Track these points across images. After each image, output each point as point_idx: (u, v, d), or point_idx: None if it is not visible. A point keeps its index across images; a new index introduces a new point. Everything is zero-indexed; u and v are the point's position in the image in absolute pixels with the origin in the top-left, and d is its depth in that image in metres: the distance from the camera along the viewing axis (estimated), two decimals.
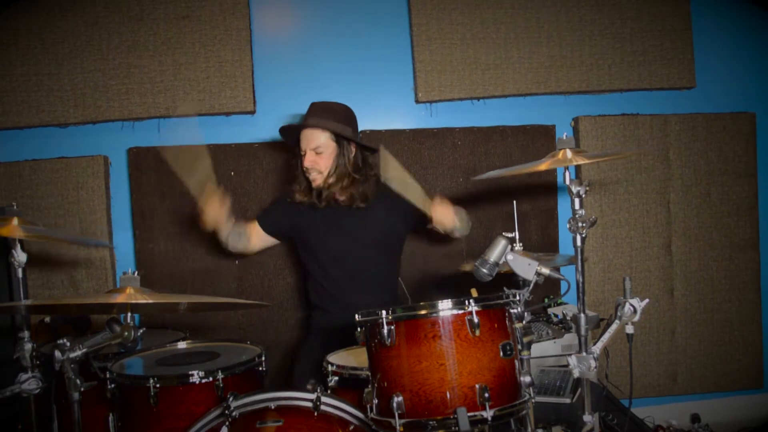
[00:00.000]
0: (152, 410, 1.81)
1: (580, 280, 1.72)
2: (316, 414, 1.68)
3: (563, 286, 1.65)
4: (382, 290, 2.55)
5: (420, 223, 2.43)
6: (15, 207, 1.91)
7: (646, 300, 1.73)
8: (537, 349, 2.44)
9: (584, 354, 1.68)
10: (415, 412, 1.45)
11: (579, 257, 1.72)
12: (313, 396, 1.69)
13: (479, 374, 1.45)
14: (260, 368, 2.01)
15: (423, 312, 1.50)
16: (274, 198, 2.69)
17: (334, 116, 2.44)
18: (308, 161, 2.40)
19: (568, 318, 2.58)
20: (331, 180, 2.42)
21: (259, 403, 1.69)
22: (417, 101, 3.11)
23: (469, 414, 1.41)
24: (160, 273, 2.93)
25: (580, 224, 1.70)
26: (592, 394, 1.76)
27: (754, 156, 3.27)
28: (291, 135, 2.52)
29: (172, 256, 2.95)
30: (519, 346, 1.58)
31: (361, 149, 2.48)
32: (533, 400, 1.56)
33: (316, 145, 2.40)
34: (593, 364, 1.67)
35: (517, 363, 1.54)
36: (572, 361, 1.69)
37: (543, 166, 1.80)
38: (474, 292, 2.03)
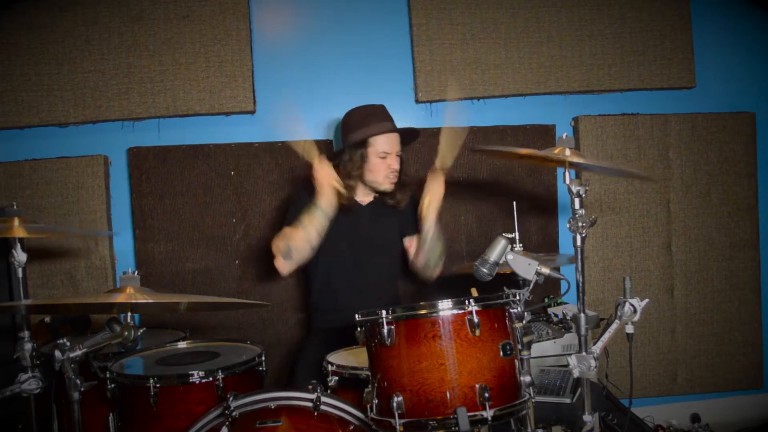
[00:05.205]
0: (152, 410, 1.81)
1: (580, 279, 1.72)
2: (316, 414, 1.68)
3: (563, 285, 1.65)
4: (387, 292, 2.56)
5: (405, 231, 2.59)
6: (15, 207, 1.91)
7: (646, 300, 1.73)
8: (537, 348, 2.44)
9: (584, 354, 1.68)
10: (415, 411, 1.45)
11: (579, 257, 1.72)
12: (313, 396, 1.69)
13: (479, 374, 1.45)
14: (260, 368, 2.01)
15: (423, 312, 1.50)
16: (294, 200, 2.57)
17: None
18: (394, 165, 2.43)
19: (568, 318, 2.56)
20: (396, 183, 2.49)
21: (259, 403, 1.69)
22: (417, 101, 3.11)
23: (469, 414, 1.41)
24: (160, 273, 2.94)
25: (580, 224, 1.70)
26: (592, 393, 1.76)
27: (754, 156, 3.26)
28: (360, 136, 2.44)
29: (172, 256, 2.95)
30: (519, 346, 1.58)
31: None
32: (533, 400, 1.56)
33: (399, 149, 2.45)
34: (593, 363, 1.67)
35: (517, 363, 1.54)
36: (572, 360, 1.69)
37: (555, 151, 1.78)
38: (474, 292, 2.03)
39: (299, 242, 2.28)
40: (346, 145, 2.43)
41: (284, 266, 2.32)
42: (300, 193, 2.55)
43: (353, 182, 2.44)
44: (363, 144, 2.40)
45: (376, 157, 2.41)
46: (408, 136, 2.52)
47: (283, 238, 2.32)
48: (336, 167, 2.44)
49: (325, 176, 2.29)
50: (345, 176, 2.41)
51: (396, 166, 2.43)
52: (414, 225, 2.54)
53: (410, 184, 2.57)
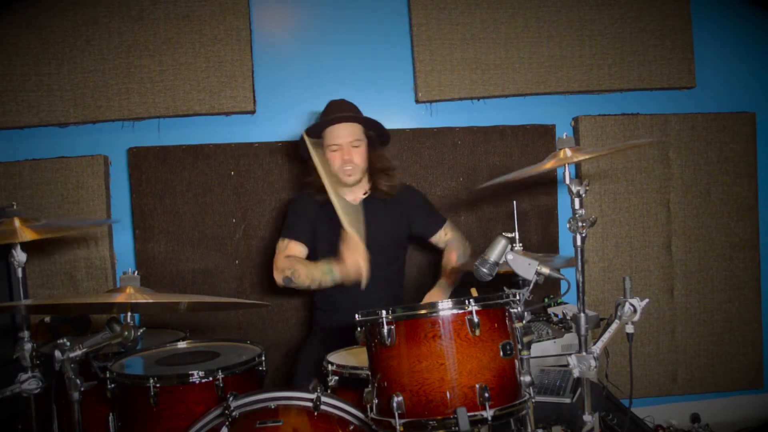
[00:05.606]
0: (152, 410, 1.81)
1: (580, 279, 1.72)
2: (316, 414, 1.68)
3: (563, 285, 1.65)
4: (389, 291, 2.55)
5: (425, 233, 2.62)
6: (15, 207, 1.91)
7: (646, 300, 1.73)
8: (537, 348, 2.44)
9: (584, 354, 1.68)
10: (415, 411, 1.45)
11: (579, 257, 1.72)
12: (313, 396, 1.69)
13: (479, 374, 1.45)
14: (260, 368, 2.01)
15: (423, 312, 1.50)
16: (288, 208, 2.62)
17: (358, 111, 2.50)
18: (347, 155, 2.40)
19: (568, 318, 2.58)
20: (364, 175, 2.47)
21: (259, 403, 1.70)
22: (417, 101, 3.11)
23: (469, 414, 1.41)
24: (160, 273, 2.94)
25: (580, 224, 1.70)
26: (592, 393, 1.76)
27: (754, 156, 3.26)
28: (314, 133, 2.46)
29: (172, 256, 2.95)
30: (519, 346, 1.58)
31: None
32: (533, 400, 1.56)
33: (354, 138, 2.42)
34: (593, 363, 1.67)
35: (517, 363, 1.54)
36: (572, 360, 1.69)
37: (546, 165, 1.80)
38: (474, 292, 2.03)
39: (301, 284, 2.33)
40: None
41: (281, 285, 2.38)
42: (299, 199, 2.55)
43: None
44: (319, 139, 2.43)
45: (329, 150, 2.42)
46: (368, 126, 2.50)
47: (290, 269, 2.33)
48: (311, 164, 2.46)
49: (356, 263, 2.24)
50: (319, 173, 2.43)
51: (351, 157, 2.41)
52: (435, 224, 2.61)
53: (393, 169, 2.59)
